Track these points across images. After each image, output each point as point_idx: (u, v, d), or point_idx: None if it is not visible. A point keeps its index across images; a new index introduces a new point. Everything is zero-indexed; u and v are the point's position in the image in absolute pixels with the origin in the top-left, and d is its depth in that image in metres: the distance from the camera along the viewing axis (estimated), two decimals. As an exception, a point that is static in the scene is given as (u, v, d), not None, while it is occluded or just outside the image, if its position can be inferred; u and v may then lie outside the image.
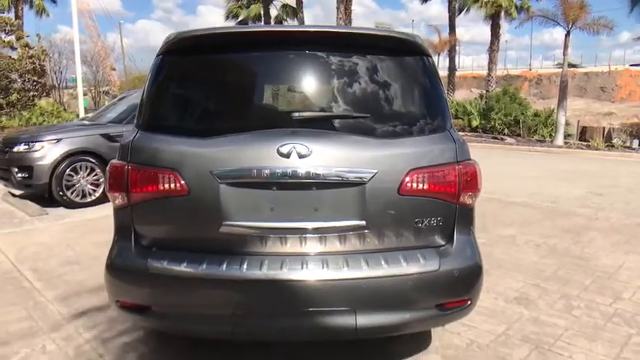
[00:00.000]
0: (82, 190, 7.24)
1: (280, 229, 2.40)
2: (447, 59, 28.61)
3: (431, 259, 2.41)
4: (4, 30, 15.83)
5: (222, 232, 2.37)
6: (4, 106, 15.52)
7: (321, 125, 2.47)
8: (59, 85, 38.00)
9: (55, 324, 3.40)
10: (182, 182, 2.38)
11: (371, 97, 2.55)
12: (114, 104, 9.22)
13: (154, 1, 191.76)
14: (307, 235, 2.41)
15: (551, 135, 19.11)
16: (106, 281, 2.57)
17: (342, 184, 2.35)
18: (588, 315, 3.57)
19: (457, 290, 2.51)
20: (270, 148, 2.33)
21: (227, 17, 31.66)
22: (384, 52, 2.60)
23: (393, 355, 2.98)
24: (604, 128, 19.86)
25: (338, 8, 20.14)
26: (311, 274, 2.31)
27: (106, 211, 6.40)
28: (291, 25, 25.23)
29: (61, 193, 7.07)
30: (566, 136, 18.55)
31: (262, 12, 30.15)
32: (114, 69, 45.63)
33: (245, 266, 2.32)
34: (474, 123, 21.91)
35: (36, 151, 7.08)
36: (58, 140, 7.20)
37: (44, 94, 17.91)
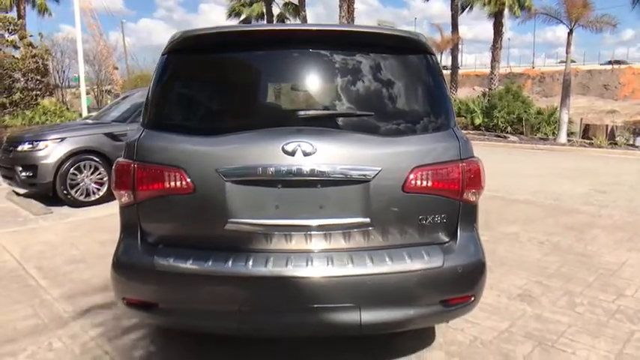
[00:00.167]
0: (86, 189, 7.27)
1: (285, 226, 2.42)
2: (450, 57, 28.57)
3: (435, 256, 2.43)
4: (8, 29, 15.84)
5: (227, 229, 2.39)
6: (7, 105, 15.53)
7: (325, 123, 2.49)
8: (62, 84, 38.06)
9: (61, 322, 3.43)
10: (188, 180, 2.40)
11: (375, 95, 2.57)
12: (117, 103, 9.25)
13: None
14: (312, 233, 2.43)
15: (554, 133, 19.05)
16: (112, 279, 2.59)
17: (347, 181, 2.37)
18: (591, 312, 3.58)
19: (461, 286, 2.53)
20: (276, 146, 2.34)
21: (229, 15, 31.67)
22: (387, 50, 2.61)
23: (397, 352, 2.99)
24: (607, 126, 19.78)
25: (341, 6, 20.16)
26: (316, 270, 2.33)
27: (110, 209, 6.47)
28: (293, 23, 25.21)
29: (65, 191, 7.10)
30: (569, 134, 18.48)
31: (265, 10, 30.15)
32: (116, 68, 45.72)
33: (250, 263, 2.34)
34: (477, 121, 21.87)
35: (40, 150, 7.11)
36: (62, 139, 7.23)
37: (47, 93, 17.93)
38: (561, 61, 31.91)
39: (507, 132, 20.44)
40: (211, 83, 2.70)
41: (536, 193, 8.24)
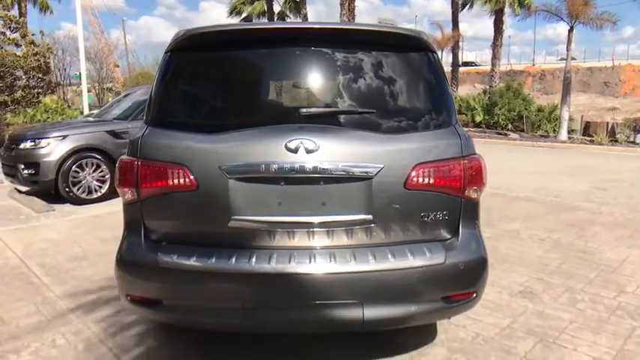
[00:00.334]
0: (88, 187, 7.29)
1: (288, 223, 2.43)
2: (451, 55, 28.56)
3: (437, 253, 2.44)
4: (9, 27, 15.82)
5: (231, 226, 2.40)
6: (9, 103, 15.50)
7: (327, 121, 2.50)
8: (63, 82, 38.06)
9: (64, 319, 3.44)
10: (191, 177, 2.41)
11: (376, 92, 2.58)
12: (119, 101, 9.26)
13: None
14: (315, 229, 2.44)
15: (554, 130, 19.05)
16: (116, 276, 2.60)
17: (349, 178, 2.38)
18: (592, 308, 3.59)
19: (463, 283, 2.54)
20: (278, 143, 2.36)
21: (230, 13, 31.57)
22: (389, 48, 2.62)
23: (399, 348, 3.01)
24: (607, 123, 19.75)
25: (342, 4, 20.10)
26: (319, 267, 2.34)
27: (112, 207, 6.49)
28: (295, 21, 25.21)
29: (67, 189, 7.11)
30: (570, 131, 18.48)
31: (266, 8, 30.10)
32: (117, 66, 45.66)
33: (254, 260, 2.35)
34: (478, 118, 21.86)
35: (42, 147, 7.13)
36: (64, 137, 7.24)
37: (49, 91, 17.91)
38: (562, 59, 31.91)
39: (508, 129, 20.43)
40: (214, 81, 2.71)
41: (537, 190, 8.25)
